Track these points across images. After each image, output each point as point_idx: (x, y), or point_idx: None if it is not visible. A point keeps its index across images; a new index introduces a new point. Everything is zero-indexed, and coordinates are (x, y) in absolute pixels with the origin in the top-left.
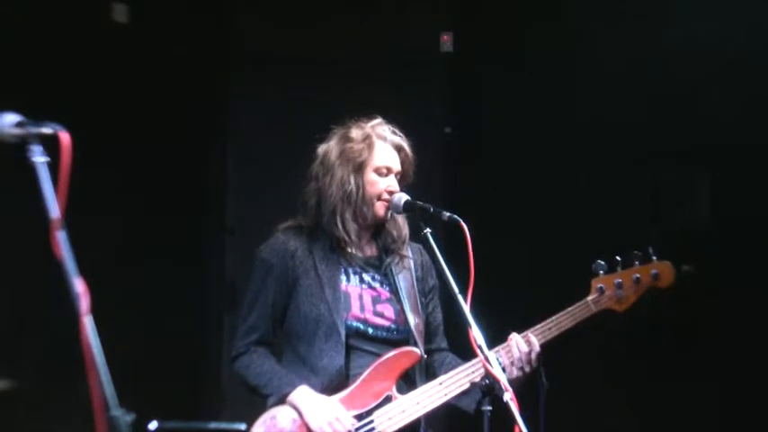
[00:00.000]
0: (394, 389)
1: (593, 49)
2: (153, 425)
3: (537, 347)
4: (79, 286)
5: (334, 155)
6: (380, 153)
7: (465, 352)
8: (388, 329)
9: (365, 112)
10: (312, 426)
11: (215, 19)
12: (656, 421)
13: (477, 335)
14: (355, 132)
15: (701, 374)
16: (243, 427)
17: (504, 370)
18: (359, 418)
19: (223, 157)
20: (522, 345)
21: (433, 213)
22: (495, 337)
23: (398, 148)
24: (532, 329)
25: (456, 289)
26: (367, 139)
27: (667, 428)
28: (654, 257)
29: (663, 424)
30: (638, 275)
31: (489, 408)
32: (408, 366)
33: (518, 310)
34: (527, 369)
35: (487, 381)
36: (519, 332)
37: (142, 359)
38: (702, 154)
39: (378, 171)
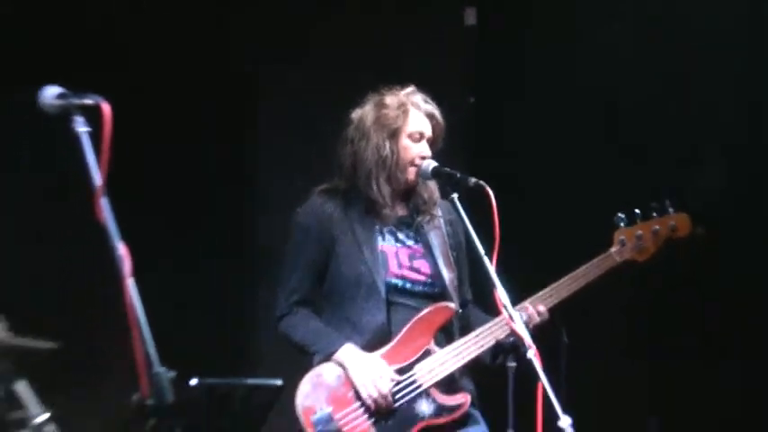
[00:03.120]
0: (432, 343)
1: (609, 25)
2: (193, 381)
3: (543, 309)
4: (122, 250)
5: (369, 120)
6: (414, 120)
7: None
8: (424, 284)
9: (394, 81)
10: (356, 383)
11: None
12: (671, 376)
13: (502, 294)
14: (390, 99)
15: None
16: (279, 382)
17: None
18: (400, 372)
19: (257, 128)
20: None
21: (459, 179)
22: (520, 297)
23: (430, 116)
24: (560, 282)
25: (482, 251)
26: (402, 106)
27: (684, 382)
28: (671, 209)
29: (678, 377)
30: (657, 227)
31: (514, 364)
32: (444, 321)
33: (541, 268)
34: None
35: (512, 338)
36: (543, 288)
37: (183, 320)
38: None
39: (411, 137)
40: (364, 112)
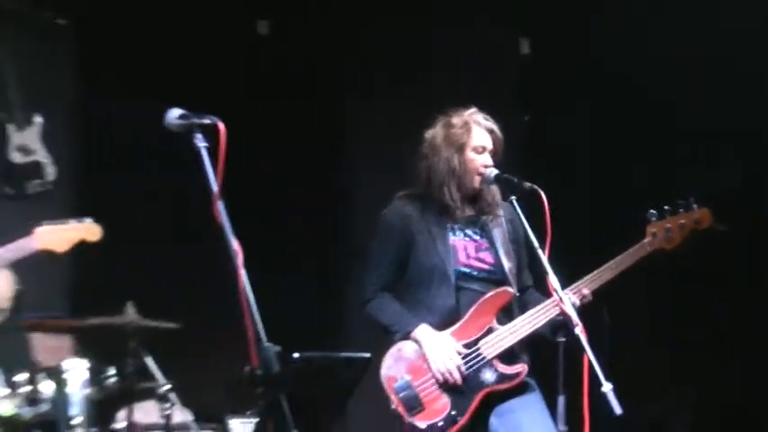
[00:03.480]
0: (494, 321)
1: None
2: (295, 354)
3: (587, 292)
4: (235, 245)
5: (439, 138)
6: (477, 135)
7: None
8: (488, 271)
9: (460, 103)
10: (429, 358)
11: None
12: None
13: (553, 280)
14: (456, 119)
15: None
16: (368, 355)
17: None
18: (467, 346)
19: (357, 143)
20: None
21: (517, 184)
22: (568, 281)
23: (490, 131)
24: (602, 268)
25: (536, 243)
26: (466, 124)
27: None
28: (694, 206)
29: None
30: (682, 221)
31: (563, 339)
32: (505, 303)
33: (584, 259)
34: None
35: (562, 317)
36: (586, 275)
37: (287, 304)
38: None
39: (475, 150)
40: (435, 132)
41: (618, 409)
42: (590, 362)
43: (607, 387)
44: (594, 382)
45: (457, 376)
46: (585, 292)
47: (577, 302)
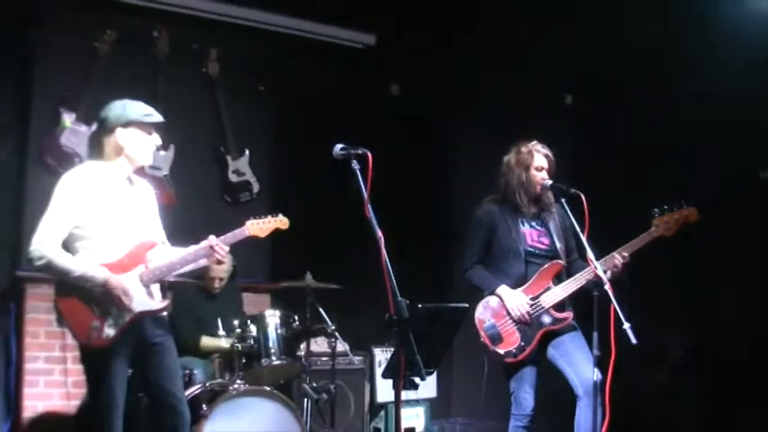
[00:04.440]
0: (551, 283)
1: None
2: (420, 305)
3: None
4: (379, 233)
5: (512, 161)
6: (538, 158)
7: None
8: (546, 250)
9: (527, 136)
10: (508, 305)
11: (446, 88)
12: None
13: (590, 254)
14: (523, 148)
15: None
16: (467, 305)
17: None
18: (533, 299)
19: (456, 163)
20: (618, 256)
21: (565, 191)
22: (601, 255)
23: (547, 156)
24: (622, 247)
25: (579, 230)
26: (530, 151)
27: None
28: (685, 205)
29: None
30: (677, 216)
31: (597, 293)
32: (557, 271)
33: (610, 242)
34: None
35: (595, 279)
36: (614, 249)
37: (412, 272)
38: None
39: (536, 168)
40: (509, 157)
41: (634, 339)
42: (615, 308)
43: (626, 325)
44: (618, 322)
45: (526, 315)
46: (625, 254)
47: (620, 264)
